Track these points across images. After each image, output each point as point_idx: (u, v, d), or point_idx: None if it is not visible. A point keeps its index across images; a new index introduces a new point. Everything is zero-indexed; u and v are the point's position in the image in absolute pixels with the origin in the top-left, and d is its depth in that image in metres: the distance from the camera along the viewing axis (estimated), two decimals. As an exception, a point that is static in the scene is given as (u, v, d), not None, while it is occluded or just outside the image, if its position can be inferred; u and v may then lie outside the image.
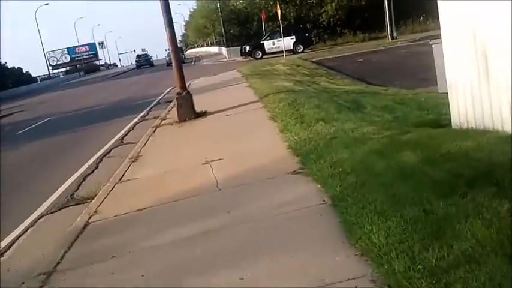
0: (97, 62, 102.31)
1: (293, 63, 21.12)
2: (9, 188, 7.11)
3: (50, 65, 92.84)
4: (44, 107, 23.19)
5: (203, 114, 9.66)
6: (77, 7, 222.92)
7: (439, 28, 5.11)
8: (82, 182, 6.66)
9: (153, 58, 68.64)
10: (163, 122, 10.05)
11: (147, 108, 13.97)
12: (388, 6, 26.49)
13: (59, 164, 8.51)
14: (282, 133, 6.31)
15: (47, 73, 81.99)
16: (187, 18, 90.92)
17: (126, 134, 10.11)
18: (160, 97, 16.47)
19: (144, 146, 7.80)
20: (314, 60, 23.19)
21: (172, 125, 9.35)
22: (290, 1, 34.92)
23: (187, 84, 19.35)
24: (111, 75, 54.06)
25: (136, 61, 60.53)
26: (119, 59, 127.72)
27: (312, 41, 32.75)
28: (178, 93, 9.48)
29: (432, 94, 9.55)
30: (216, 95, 13.26)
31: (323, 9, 33.88)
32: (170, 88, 19.32)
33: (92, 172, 7.19)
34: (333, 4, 33.12)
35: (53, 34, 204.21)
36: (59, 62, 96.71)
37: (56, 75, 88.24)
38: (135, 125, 11.24)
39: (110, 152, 8.50)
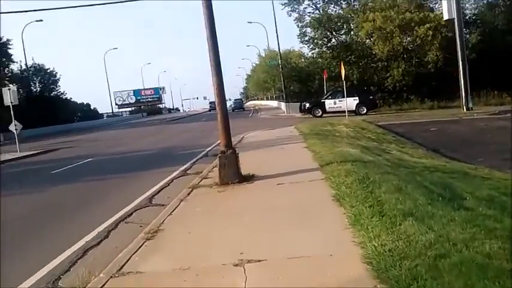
0: (160, 105, 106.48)
1: (357, 125, 19.31)
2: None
3: (116, 104, 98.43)
4: (92, 146, 22.67)
5: (249, 178, 7.99)
6: (144, 53, 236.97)
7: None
8: (77, 260, 5.05)
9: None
10: (203, 181, 8.46)
11: (192, 161, 12.57)
12: (464, 75, 24.31)
13: (63, 225, 6.91)
14: (353, 228, 4.45)
15: (113, 111, 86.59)
16: (249, 72, 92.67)
17: (159, 192, 8.59)
18: (209, 148, 15.11)
19: (170, 214, 6.16)
20: (380, 124, 21.23)
21: (211, 187, 7.72)
22: (354, 63, 33.75)
23: (241, 137, 18.36)
24: (169, 118, 54.69)
25: (210, 106, 77.58)
26: (182, 104, 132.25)
27: (377, 103, 30.97)
28: (222, 152, 7.91)
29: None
30: (268, 153, 11.64)
31: (389, 74, 32.32)
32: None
33: (98, 244, 5.60)
34: (400, 69, 31.52)
35: (120, 76, 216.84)
36: (124, 102, 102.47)
37: (120, 113, 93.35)
38: (172, 179, 9.75)
39: (131, 214, 6.94)
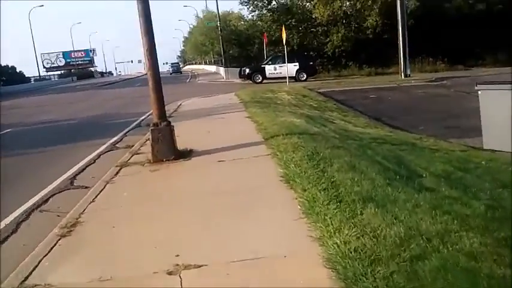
0: (92, 69, 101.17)
1: (298, 93, 18.82)
2: None
3: (44, 67, 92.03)
4: (13, 114, 20.54)
5: (187, 154, 7.16)
6: (74, 12, 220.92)
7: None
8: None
9: None
10: (134, 158, 7.51)
11: (123, 132, 11.45)
12: (403, 42, 24.50)
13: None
14: (308, 218, 3.84)
15: (41, 75, 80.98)
16: (186, 35, 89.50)
17: (83, 170, 7.55)
18: (143, 117, 13.93)
19: (92, 201, 5.24)
20: (321, 91, 20.91)
21: (143, 165, 6.80)
22: (294, 27, 33.10)
23: (178, 104, 17.26)
24: (101, 83, 51.59)
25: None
26: (115, 68, 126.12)
27: (316, 69, 30.74)
28: (155, 124, 6.97)
29: (494, 156, 7.23)
30: (207, 123, 10.79)
31: (328, 39, 32.07)
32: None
33: (3, 242, 4.59)
34: (339, 35, 31.35)
35: (48, 37, 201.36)
36: (53, 65, 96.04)
37: (48, 77, 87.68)
38: (99, 155, 8.68)
39: (48, 200, 5.91)
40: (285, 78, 25.04)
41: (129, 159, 7.38)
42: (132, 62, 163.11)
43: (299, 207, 4.15)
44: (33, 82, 71.91)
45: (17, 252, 4.26)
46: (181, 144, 7.42)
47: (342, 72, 31.93)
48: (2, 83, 61.73)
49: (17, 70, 75.51)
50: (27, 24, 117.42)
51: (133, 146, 8.91)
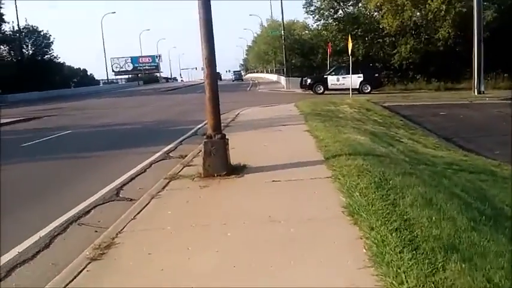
0: (158, 74, 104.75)
1: (361, 106, 17.85)
2: None
3: (113, 70, 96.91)
4: (77, 115, 21.25)
5: (240, 169, 6.63)
6: (143, 19, 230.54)
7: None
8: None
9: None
10: (184, 170, 7.10)
11: (178, 140, 11.19)
12: (478, 56, 22.65)
13: None
14: (376, 269, 3.11)
15: (109, 78, 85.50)
16: (250, 43, 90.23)
17: (132, 179, 7.26)
18: (201, 125, 13.62)
19: (133, 218, 4.83)
20: (386, 105, 19.78)
21: (193, 179, 6.35)
22: (360, 37, 31.95)
23: (236, 113, 16.90)
24: (164, 88, 53.01)
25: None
26: (180, 74, 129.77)
27: (382, 82, 29.36)
28: (208, 137, 6.51)
29: None
30: (264, 136, 10.25)
31: (396, 50, 30.60)
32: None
33: (32, 258, 4.26)
34: (408, 46, 29.77)
35: (118, 42, 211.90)
36: (121, 69, 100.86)
37: (116, 81, 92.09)
38: (151, 164, 8.40)
39: (89, 212, 5.59)
40: (347, 89, 24.05)
41: (179, 172, 6.98)
42: (196, 69, 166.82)
43: (365, 250, 3.45)
44: (101, 85, 75.53)
45: (42, 271, 3.92)
46: (235, 157, 6.92)
47: (408, 85, 30.35)
48: (74, 84, 65.54)
49: (88, 73, 79.86)
50: (99, 29, 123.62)
51: (186, 156, 8.54)
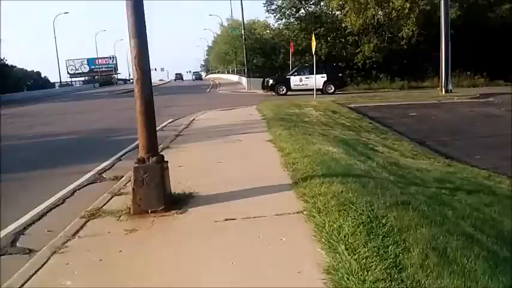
0: (115, 76, 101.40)
1: (327, 108, 16.63)
2: None
3: (68, 73, 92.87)
4: (15, 123, 18.95)
5: (183, 201, 5.07)
6: (98, 20, 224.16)
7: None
8: None
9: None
10: (111, 202, 5.46)
11: (119, 154, 9.47)
12: (445, 54, 22.01)
13: None
14: None
15: (65, 80, 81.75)
16: (210, 44, 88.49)
17: (44, 215, 5.54)
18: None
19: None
20: (352, 106, 18.69)
21: (119, 218, 4.74)
22: (322, 36, 31.02)
23: (191, 119, 15.24)
24: (119, 91, 50.36)
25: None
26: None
27: (345, 82, 28.52)
28: (140, 160, 4.91)
29: None
30: (219, 149, 8.70)
31: (359, 49, 29.85)
32: (171, 120, 14.97)
33: None
34: (371, 45, 29.09)
35: (74, 44, 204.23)
36: (77, 71, 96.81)
37: (72, 83, 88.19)
38: (75, 190, 6.67)
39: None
40: (310, 90, 22.93)
41: (104, 205, 5.32)
42: (156, 69, 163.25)
43: None
44: (56, 88, 71.85)
45: None
46: (180, 180, 5.44)
47: (372, 85, 29.74)
48: (26, 87, 61.61)
49: (42, 75, 75.82)
50: (52, 30, 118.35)
51: (122, 177, 6.89)
